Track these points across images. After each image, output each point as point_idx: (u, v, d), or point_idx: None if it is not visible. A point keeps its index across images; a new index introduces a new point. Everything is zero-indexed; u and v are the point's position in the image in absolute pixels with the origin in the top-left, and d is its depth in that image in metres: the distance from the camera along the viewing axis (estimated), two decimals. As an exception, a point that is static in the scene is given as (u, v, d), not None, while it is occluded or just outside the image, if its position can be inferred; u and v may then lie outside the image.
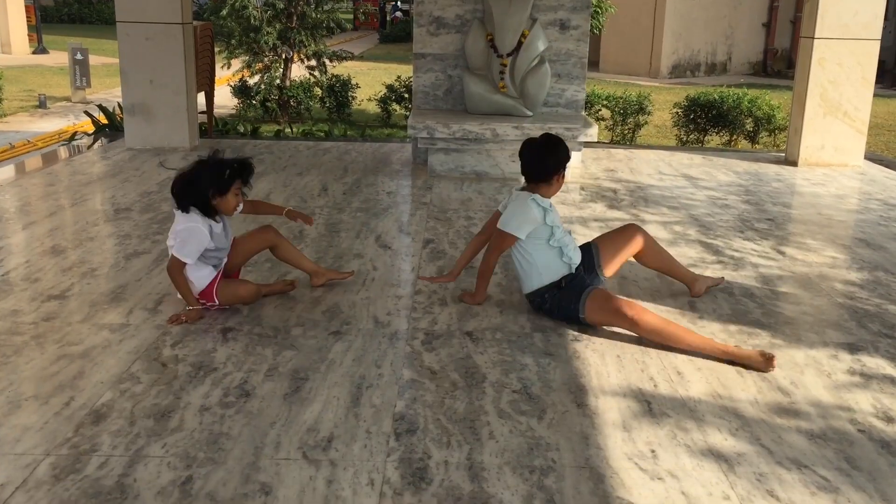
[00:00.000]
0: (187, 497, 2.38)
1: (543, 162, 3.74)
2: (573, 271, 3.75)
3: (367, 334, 3.57)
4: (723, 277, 4.27)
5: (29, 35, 23.09)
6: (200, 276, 3.70)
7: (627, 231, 3.98)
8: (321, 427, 2.78)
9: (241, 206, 3.76)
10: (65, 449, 2.61)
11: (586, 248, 3.91)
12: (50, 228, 5.07)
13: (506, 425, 2.82)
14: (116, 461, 2.54)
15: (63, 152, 7.89)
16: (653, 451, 2.68)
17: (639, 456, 2.66)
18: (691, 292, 4.11)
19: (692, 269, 4.51)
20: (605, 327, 3.64)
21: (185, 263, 3.61)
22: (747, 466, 2.61)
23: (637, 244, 3.95)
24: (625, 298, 3.63)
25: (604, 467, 2.59)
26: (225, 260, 3.84)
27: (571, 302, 3.64)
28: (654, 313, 3.51)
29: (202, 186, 3.58)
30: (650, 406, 2.99)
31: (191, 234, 3.59)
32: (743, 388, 3.15)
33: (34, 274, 4.22)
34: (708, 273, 4.47)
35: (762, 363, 3.28)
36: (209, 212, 3.65)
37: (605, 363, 3.34)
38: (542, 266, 3.73)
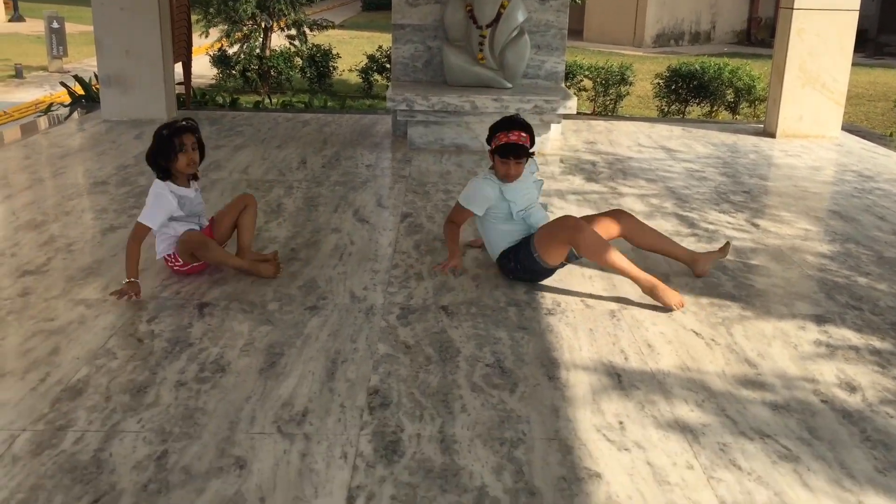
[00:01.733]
0: (163, 471, 2.41)
1: (488, 135, 3.93)
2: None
3: (342, 309, 3.60)
4: (727, 243, 4.15)
5: (4, 3, 22.72)
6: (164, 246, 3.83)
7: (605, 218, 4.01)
8: (296, 402, 2.82)
9: (195, 165, 3.79)
10: (41, 424, 2.63)
11: None
12: (26, 202, 5.05)
13: (478, 398, 2.87)
14: (92, 436, 2.57)
15: (39, 124, 7.83)
16: (620, 423, 2.74)
17: (607, 427, 2.72)
18: (694, 272, 4.04)
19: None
20: (563, 265, 3.92)
21: (148, 229, 3.69)
22: (711, 437, 2.67)
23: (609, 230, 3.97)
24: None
25: (572, 439, 2.65)
26: (203, 225, 3.92)
27: (527, 250, 3.81)
28: (593, 231, 3.69)
29: (155, 154, 3.73)
30: (620, 379, 3.05)
31: (156, 199, 3.70)
32: (711, 360, 3.21)
33: (10, 248, 4.21)
34: (683, 245, 4.53)
35: (675, 300, 3.62)
36: (172, 177, 3.76)
37: (577, 337, 3.40)
38: (505, 232, 3.93)
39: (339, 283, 3.89)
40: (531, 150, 3.87)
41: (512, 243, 3.92)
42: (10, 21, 22.04)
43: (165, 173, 3.74)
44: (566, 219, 3.77)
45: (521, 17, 6.90)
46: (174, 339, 3.26)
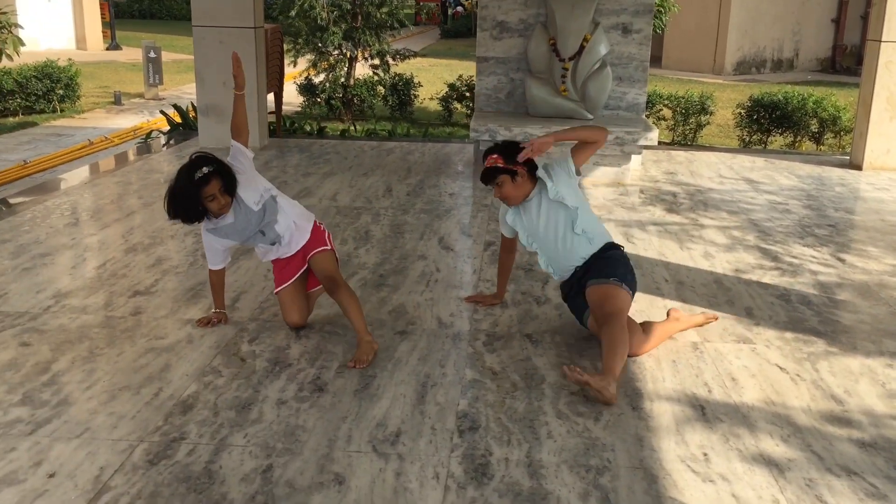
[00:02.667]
0: (268, 484, 2.58)
1: None
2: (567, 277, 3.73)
3: (431, 334, 3.75)
4: None
5: (103, 31, 23.92)
6: (266, 254, 3.74)
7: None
8: (389, 422, 2.97)
9: (228, 206, 3.53)
10: (157, 436, 2.84)
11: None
12: (131, 226, 5.38)
13: (563, 425, 2.97)
14: (203, 449, 2.77)
15: (139, 150, 8.27)
16: (705, 455, 2.80)
17: (691, 459, 2.78)
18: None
19: (748, 276, 4.59)
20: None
21: (214, 271, 3.76)
22: (797, 472, 2.70)
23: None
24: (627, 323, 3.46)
25: (657, 468, 2.72)
26: (283, 237, 3.66)
27: (581, 308, 3.66)
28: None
29: (182, 212, 3.51)
30: (704, 411, 3.10)
31: (205, 246, 3.73)
32: (796, 395, 3.24)
33: (122, 270, 4.51)
34: (766, 280, 4.54)
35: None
36: (207, 214, 3.55)
37: (660, 368, 3.46)
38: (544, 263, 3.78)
39: (427, 310, 4.04)
40: (508, 167, 3.59)
41: (560, 278, 3.77)
42: (107, 49, 23.18)
43: (197, 215, 3.53)
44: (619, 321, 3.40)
45: (603, 50, 7.00)
46: (274, 360, 3.46)
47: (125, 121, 12.54)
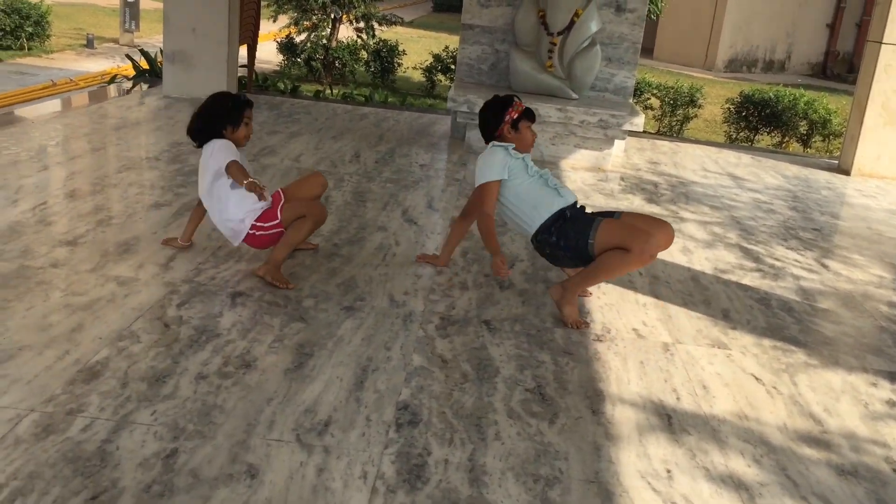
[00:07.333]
0: (169, 472, 2.25)
1: (485, 122, 3.78)
2: (570, 203, 3.61)
3: (380, 313, 3.42)
4: None
5: (84, -27, 23.10)
6: (253, 205, 3.56)
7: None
8: (319, 409, 2.64)
9: (249, 137, 3.74)
10: (50, 406, 2.49)
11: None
12: (76, 170, 4.98)
13: (514, 426, 2.66)
14: (101, 425, 2.42)
15: (101, 94, 7.82)
16: (668, 472, 2.50)
17: (653, 475, 2.48)
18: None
19: (727, 276, 4.30)
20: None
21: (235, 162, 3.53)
22: (769, 499, 2.41)
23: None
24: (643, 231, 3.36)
25: (614, 484, 2.41)
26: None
27: (582, 229, 3.45)
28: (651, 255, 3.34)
29: (218, 121, 3.62)
30: (670, 420, 2.81)
31: (227, 147, 3.57)
32: (772, 410, 2.95)
33: (51, 216, 4.12)
34: (746, 281, 4.26)
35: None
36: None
37: (626, 368, 3.16)
38: (534, 200, 3.59)
39: (380, 285, 3.71)
40: None
41: (551, 213, 3.54)
42: (88, -8, 22.42)
43: (216, 136, 3.61)
44: (640, 231, 3.38)
45: (594, 27, 6.66)
46: (201, 328, 3.11)
47: (95, 65, 12.02)
